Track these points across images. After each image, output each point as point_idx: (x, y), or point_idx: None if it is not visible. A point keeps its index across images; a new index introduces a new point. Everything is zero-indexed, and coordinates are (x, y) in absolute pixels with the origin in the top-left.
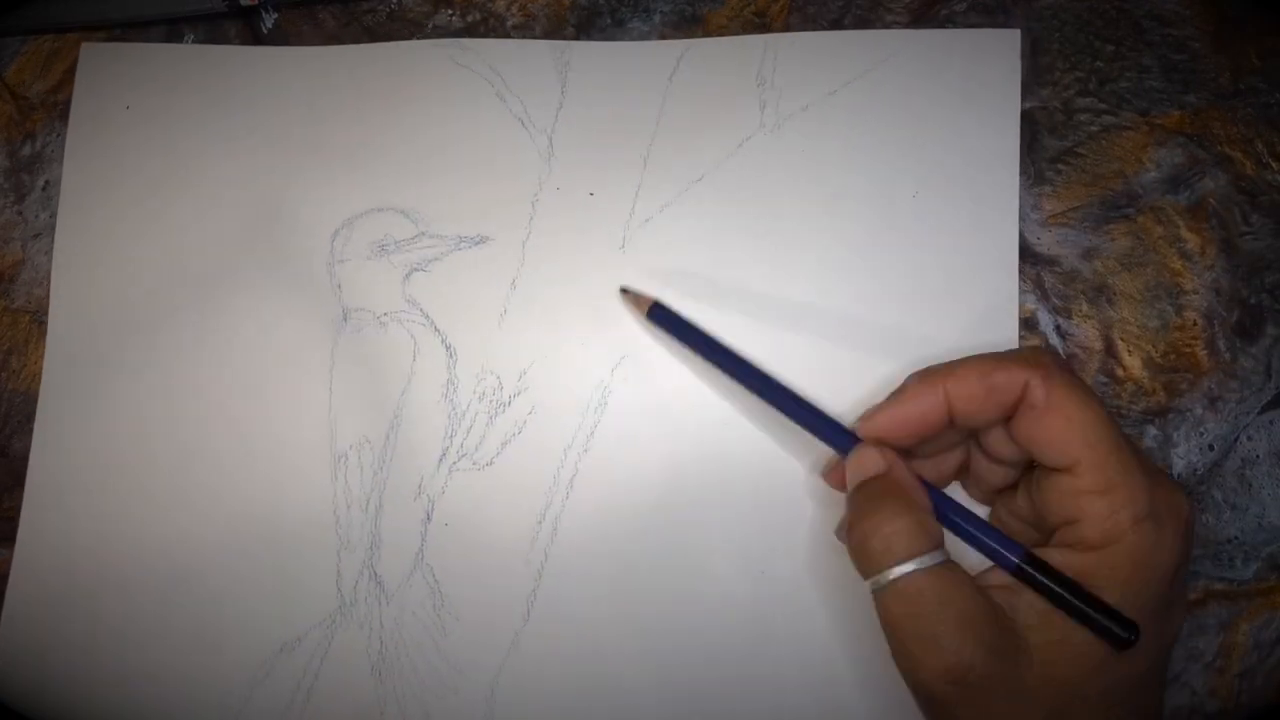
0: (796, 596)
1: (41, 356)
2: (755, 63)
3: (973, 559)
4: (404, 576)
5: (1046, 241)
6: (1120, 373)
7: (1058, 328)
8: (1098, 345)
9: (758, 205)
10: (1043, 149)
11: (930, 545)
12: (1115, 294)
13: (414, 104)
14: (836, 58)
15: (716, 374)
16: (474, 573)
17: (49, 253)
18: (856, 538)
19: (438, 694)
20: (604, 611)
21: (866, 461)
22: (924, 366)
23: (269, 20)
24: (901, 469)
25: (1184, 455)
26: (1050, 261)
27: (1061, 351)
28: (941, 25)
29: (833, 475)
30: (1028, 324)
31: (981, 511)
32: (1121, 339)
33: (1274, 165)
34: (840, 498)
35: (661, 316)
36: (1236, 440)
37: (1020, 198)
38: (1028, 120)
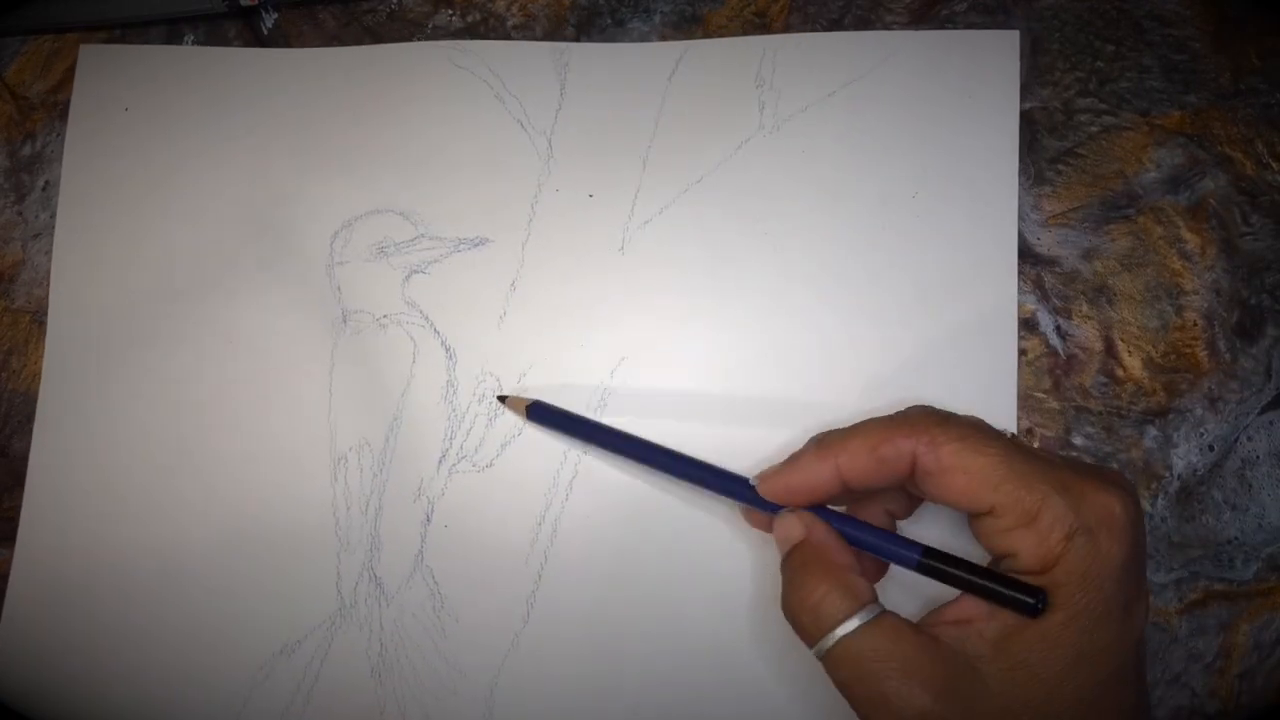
0: None
1: (42, 356)
2: (754, 64)
3: (933, 591)
4: (404, 578)
5: (1047, 242)
6: (1120, 373)
7: (1058, 328)
8: (1098, 345)
9: (757, 206)
10: (1043, 149)
11: (856, 605)
12: (1115, 294)
13: (413, 106)
14: (836, 58)
15: (711, 377)
16: (474, 574)
17: (49, 253)
18: (789, 611)
19: (437, 695)
20: (603, 613)
21: (788, 529)
22: (824, 431)
23: (269, 20)
24: (819, 529)
25: (1184, 456)
26: (1050, 262)
27: (1062, 352)
28: (941, 25)
29: (752, 517)
30: (1028, 325)
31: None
32: (1122, 339)
33: (1274, 165)
34: None
35: (541, 414)
36: (1236, 441)
37: (1020, 198)
38: (1027, 120)
